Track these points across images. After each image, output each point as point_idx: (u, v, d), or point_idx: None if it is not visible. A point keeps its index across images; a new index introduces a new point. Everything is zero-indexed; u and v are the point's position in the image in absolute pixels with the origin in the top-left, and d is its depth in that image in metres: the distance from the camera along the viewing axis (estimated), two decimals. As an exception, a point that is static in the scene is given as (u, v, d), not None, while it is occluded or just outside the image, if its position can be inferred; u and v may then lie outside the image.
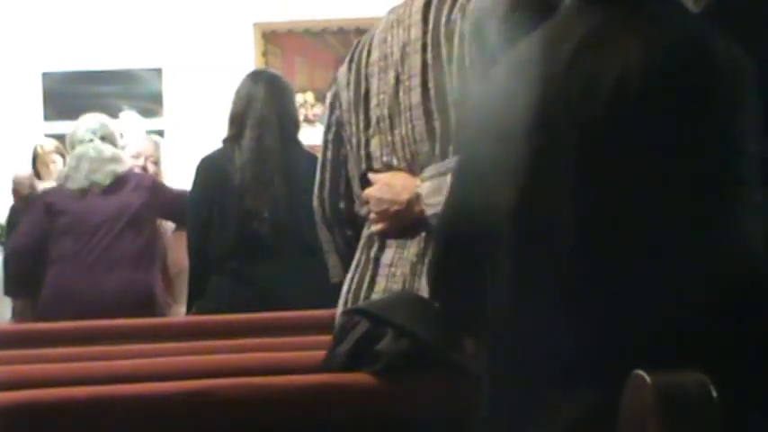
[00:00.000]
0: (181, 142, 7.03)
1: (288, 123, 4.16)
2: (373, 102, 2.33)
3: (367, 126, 2.33)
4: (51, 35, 7.12)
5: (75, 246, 4.42)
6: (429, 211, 2.18)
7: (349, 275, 2.37)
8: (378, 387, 2.02)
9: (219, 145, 4.27)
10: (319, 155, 2.56)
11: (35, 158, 5.77)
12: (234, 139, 4.11)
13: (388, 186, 2.28)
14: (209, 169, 4.16)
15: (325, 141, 2.51)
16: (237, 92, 4.21)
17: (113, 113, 6.81)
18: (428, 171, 2.22)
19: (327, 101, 2.52)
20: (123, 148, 4.91)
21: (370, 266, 2.31)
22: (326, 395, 2.06)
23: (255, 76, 4.32)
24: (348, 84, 2.40)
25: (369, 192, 2.32)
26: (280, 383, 2.08)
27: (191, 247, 4.20)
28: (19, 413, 1.96)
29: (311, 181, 2.56)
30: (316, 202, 2.53)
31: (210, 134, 6.62)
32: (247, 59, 7.23)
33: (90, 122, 4.76)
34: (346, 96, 2.41)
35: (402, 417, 2.04)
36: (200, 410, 2.02)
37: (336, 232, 2.52)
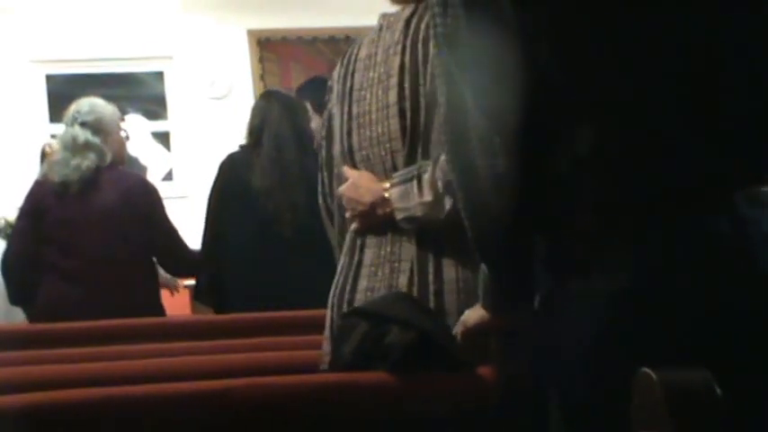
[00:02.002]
0: (186, 144, 7.12)
1: (305, 139, 4.24)
2: (355, 96, 2.39)
3: (349, 119, 2.40)
4: (55, 38, 7.15)
5: (60, 257, 4.18)
6: (399, 215, 2.26)
7: (335, 279, 2.43)
8: (395, 385, 2.04)
9: (224, 147, 4.35)
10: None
11: (43, 158, 5.72)
12: (253, 146, 4.21)
13: (354, 186, 2.35)
14: (228, 172, 4.24)
15: (322, 139, 2.58)
16: (252, 110, 4.34)
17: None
18: (396, 176, 2.28)
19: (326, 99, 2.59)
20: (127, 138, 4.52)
21: (353, 268, 2.36)
22: (346, 394, 2.08)
23: (268, 96, 4.43)
24: (339, 78, 2.48)
25: (340, 189, 2.40)
26: (299, 382, 2.11)
27: (206, 242, 4.25)
28: (32, 415, 1.95)
29: None
30: (320, 199, 2.61)
31: (215, 136, 6.70)
32: (245, 65, 7.32)
33: (81, 104, 4.39)
34: (336, 89, 2.49)
35: (421, 415, 2.07)
36: (219, 410, 2.02)
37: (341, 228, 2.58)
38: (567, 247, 1.56)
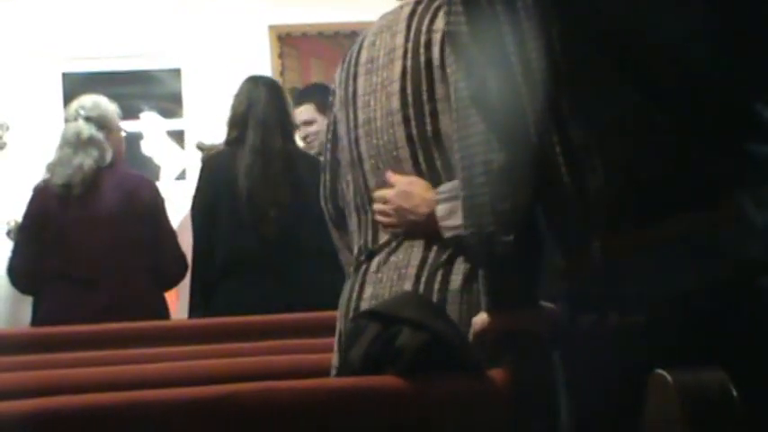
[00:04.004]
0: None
1: (287, 125, 4.25)
2: (360, 102, 2.35)
3: (356, 126, 2.36)
4: (71, 36, 7.15)
5: (66, 263, 4.16)
6: (447, 234, 2.19)
7: (344, 286, 2.39)
8: (406, 389, 1.97)
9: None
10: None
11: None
12: (237, 141, 4.20)
13: (407, 195, 2.26)
14: (213, 171, 4.23)
15: (326, 142, 2.54)
16: (237, 95, 4.34)
17: (134, 114, 6.84)
18: (443, 190, 2.22)
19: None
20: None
21: (360, 275, 2.33)
22: (355, 398, 2.00)
23: (254, 81, 4.41)
24: (341, 82, 2.43)
25: (386, 194, 2.31)
26: (308, 387, 2.04)
27: (196, 252, 4.21)
28: (35, 421, 1.88)
29: (312, 181, 2.58)
30: (322, 202, 2.56)
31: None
32: (264, 60, 7.27)
33: (83, 100, 4.41)
34: (339, 94, 2.44)
35: (432, 419, 2.00)
36: (226, 415, 1.95)
37: (343, 230, 2.53)
38: (581, 281, 1.59)
